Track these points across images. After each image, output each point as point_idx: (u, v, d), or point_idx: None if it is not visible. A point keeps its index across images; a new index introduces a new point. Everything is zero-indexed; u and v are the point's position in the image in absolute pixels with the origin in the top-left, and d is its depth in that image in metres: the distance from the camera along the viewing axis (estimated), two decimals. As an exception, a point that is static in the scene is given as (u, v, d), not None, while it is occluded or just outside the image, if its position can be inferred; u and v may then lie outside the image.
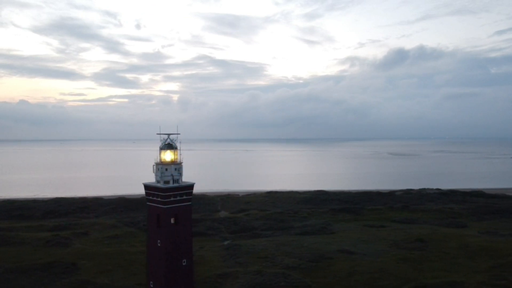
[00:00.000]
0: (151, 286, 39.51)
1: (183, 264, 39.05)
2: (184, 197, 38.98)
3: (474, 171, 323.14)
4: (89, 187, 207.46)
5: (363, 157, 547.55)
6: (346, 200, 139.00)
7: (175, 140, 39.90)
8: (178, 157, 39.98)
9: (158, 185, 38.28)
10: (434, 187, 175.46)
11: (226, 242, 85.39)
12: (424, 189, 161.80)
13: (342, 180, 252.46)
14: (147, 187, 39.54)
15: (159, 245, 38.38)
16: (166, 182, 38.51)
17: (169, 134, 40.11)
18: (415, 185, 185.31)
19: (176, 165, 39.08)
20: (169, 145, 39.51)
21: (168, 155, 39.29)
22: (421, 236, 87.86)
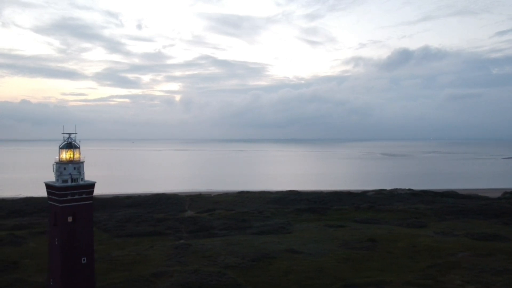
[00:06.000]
0: (51, 283, 39.94)
1: (83, 262, 39.49)
2: (84, 196, 39.44)
3: (456, 171, 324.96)
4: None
5: (353, 158, 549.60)
6: (315, 200, 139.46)
7: (75, 139, 40.30)
8: (79, 156, 40.39)
9: (55, 184, 38.76)
10: (411, 187, 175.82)
11: (178, 242, 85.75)
12: (396, 189, 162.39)
13: (319, 180, 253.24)
14: (47, 186, 40.01)
15: (56, 243, 38.82)
16: (64, 181, 38.94)
17: (70, 134, 40.56)
18: (391, 185, 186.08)
19: (75, 164, 39.52)
20: (68, 145, 39.99)
21: (67, 154, 39.72)
22: (374, 236, 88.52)
